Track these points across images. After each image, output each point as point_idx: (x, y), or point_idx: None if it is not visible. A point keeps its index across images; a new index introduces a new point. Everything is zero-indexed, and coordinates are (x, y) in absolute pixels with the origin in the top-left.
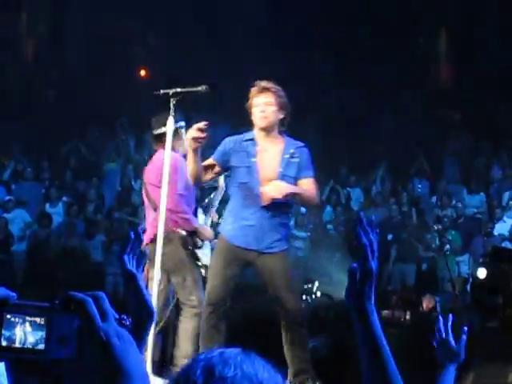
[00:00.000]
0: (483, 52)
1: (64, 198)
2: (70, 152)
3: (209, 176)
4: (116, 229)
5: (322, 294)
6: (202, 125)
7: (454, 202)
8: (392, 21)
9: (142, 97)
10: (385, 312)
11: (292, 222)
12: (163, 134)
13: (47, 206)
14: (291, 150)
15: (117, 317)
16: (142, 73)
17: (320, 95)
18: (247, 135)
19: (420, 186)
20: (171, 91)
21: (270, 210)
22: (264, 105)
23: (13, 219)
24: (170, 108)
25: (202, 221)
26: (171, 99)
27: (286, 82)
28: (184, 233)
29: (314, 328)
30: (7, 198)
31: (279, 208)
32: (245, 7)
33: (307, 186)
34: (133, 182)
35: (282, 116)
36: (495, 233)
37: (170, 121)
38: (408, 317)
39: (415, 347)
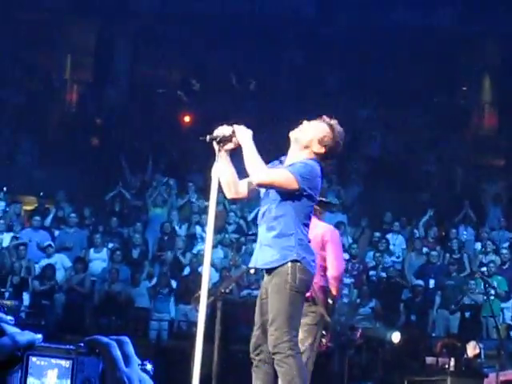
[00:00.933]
0: None
1: (109, 244)
2: (114, 198)
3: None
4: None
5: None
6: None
7: (498, 248)
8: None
9: (186, 142)
10: (428, 359)
11: None
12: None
13: (91, 251)
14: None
15: (139, 362)
16: (187, 119)
17: (364, 142)
18: None
19: (465, 232)
20: (217, 134)
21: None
22: (308, 123)
23: (53, 264)
24: (215, 153)
25: None
26: (216, 143)
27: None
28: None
29: None
30: (47, 243)
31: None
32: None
33: (273, 169)
34: (177, 227)
35: (316, 149)
36: None
37: (215, 167)
38: (452, 363)
39: None
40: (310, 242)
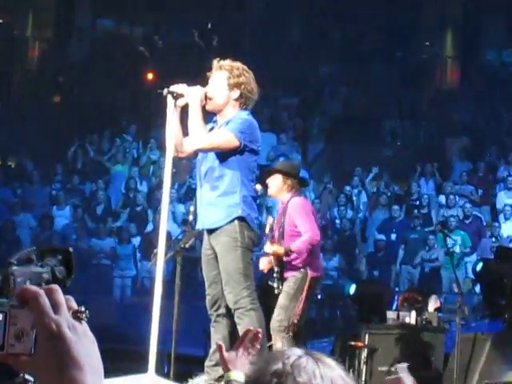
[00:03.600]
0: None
1: (72, 201)
2: (76, 154)
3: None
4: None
5: None
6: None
7: (461, 202)
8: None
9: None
10: (389, 313)
11: None
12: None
13: (54, 209)
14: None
15: (75, 308)
16: (150, 76)
17: (326, 98)
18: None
19: (426, 186)
20: (174, 90)
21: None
22: (210, 84)
23: (20, 223)
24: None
25: None
26: (172, 98)
27: (292, 81)
28: None
29: None
30: (14, 200)
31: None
32: None
33: (211, 133)
34: (138, 185)
35: (235, 95)
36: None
37: (169, 122)
38: (413, 317)
39: (420, 348)
40: (254, 198)
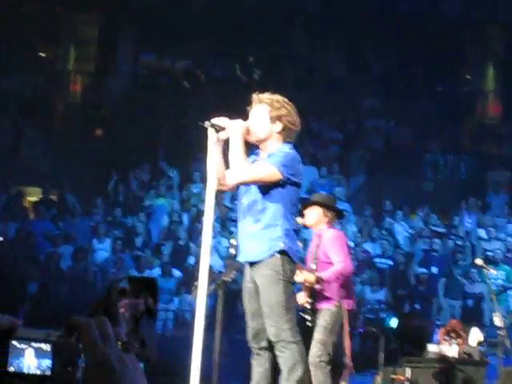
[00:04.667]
0: None
1: (113, 234)
2: (116, 187)
3: None
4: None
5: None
6: None
7: (502, 235)
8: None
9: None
10: (430, 346)
11: None
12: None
13: (95, 241)
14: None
15: (124, 340)
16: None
17: (368, 131)
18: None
19: (470, 220)
20: (216, 122)
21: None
22: (251, 117)
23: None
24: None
25: None
26: (214, 131)
27: (332, 113)
28: None
29: None
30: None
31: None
32: None
33: (253, 166)
34: (180, 218)
35: (277, 128)
36: None
37: (210, 155)
38: (455, 351)
39: (460, 381)
40: (296, 231)
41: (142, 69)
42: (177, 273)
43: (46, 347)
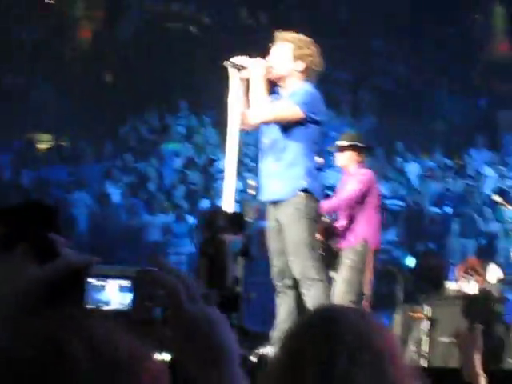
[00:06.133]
0: None
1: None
2: (129, 133)
3: None
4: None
5: None
6: None
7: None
8: None
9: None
10: (448, 284)
11: None
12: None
13: (108, 186)
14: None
15: (204, 292)
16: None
17: (377, 72)
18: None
19: (479, 158)
20: (236, 62)
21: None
22: (274, 54)
23: (75, 202)
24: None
25: None
26: (236, 70)
27: (339, 58)
28: None
29: None
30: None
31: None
32: None
33: (275, 104)
34: (194, 162)
35: (300, 67)
36: None
37: (231, 94)
38: (474, 287)
39: (481, 318)
40: (319, 169)
41: (149, 14)
42: (190, 218)
43: (126, 283)
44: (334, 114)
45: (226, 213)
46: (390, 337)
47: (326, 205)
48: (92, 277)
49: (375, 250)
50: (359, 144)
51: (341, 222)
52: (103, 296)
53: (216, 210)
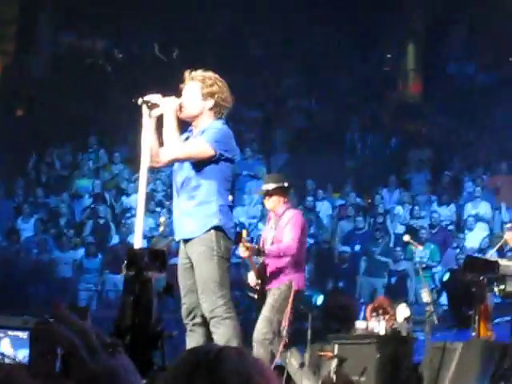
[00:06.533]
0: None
1: (36, 215)
2: (38, 168)
3: None
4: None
5: None
6: None
7: (424, 212)
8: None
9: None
10: (358, 323)
11: None
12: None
13: (19, 222)
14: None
15: (106, 342)
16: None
17: (289, 109)
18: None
19: (389, 198)
20: (149, 99)
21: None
22: (184, 94)
23: None
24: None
25: None
26: (147, 107)
27: (254, 93)
28: None
29: None
30: None
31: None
32: None
33: (186, 143)
34: (103, 198)
35: (209, 105)
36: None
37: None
38: (382, 327)
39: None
40: (231, 207)
41: (61, 49)
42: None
43: (23, 335)
44: (246, 152)
45: (150, 250)
46: (271, 376)
47: (271, 252)
48: None
49: (300, 290)
50: (285, 185)
51: (270, 263)
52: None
53: (140, 248)
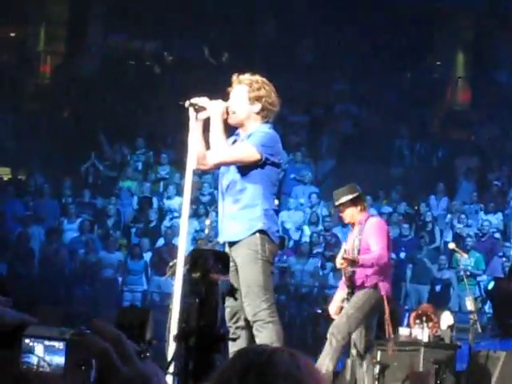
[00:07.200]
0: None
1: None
2: (88, 170)
3: None
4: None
5: None
6: None
7: (471, 221)
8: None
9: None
10: (401, 330)
11: None
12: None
13: (65, 222)
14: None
15: (137, 349)
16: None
17: (337, 115)
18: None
19: (437, 205)
20: (196, 102)
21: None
22: (231, 98)
23: (31, 235)
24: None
25: None
26: (194, 110)
27: (303, 98)
28: None
29: None
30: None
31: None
32: None
33: (232, 147)
34: (151, 200)
35: (256, 109)
36: None
37: (191, 135)
38: (426, 334)
39: (432, 365)
40: (276, 211)
41: (111, 50)
42: (145, 255)
43: (59, 345)
44: (295, 157)
45: (215, 252)
46: (321, 378)
47: (364, 262)
48: (27, 337)
49: (386, 297)
50: (353, 196)
51: (358, 271)
52: (35, 357)
53: (205, 250)
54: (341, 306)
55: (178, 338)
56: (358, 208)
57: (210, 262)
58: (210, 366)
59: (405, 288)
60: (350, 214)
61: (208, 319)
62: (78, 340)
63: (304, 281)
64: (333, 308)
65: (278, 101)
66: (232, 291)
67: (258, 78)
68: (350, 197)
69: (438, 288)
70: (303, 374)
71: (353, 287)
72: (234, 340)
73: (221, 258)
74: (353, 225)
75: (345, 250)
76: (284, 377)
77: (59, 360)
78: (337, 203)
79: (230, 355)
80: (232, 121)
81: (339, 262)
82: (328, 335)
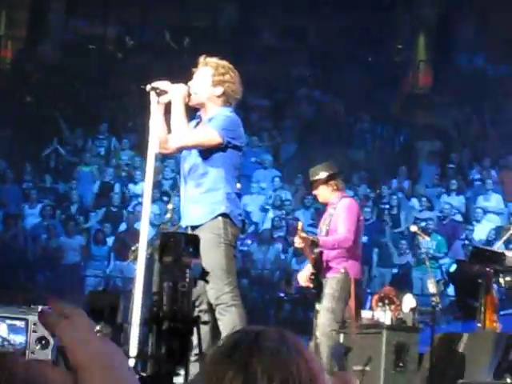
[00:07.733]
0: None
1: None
2: (49, 155)
3: None
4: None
5: None
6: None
7: (433, 204)
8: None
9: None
10: (364, 313)
11: None
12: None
13: (26, 207)
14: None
15: (96, 329)
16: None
17: (299, 100)
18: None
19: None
20: (157, 86)
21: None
22: (194, 78)
23: None
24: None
25: None
26: (156, 94)
27: (264, 82)
28: None
29: None
30: None
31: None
32: None
33: (194, 130)
34: (113, 185)
35: (218, 92)
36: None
37: (152, 119)
38: (388, 317)
39: (394, 347)
40: (238, 194)
41: (72, 35)
42: (109, 240)
43: (21, 324)
44: (254, 141)
45: (185, 235)
46: (310, 356)
47: (326, 244)
48: None
49: (357, 279)
50: (327, 174)
51: (326, 252)
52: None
53: (175, 233)
54: (311, 273)
55: (149, 322)
56: (330, 188)
57: (182, 246)
58: (185, 349)
59: (370, 272)
60: (323, 193)
61: (181, 303)
62: (39, 319)
63: (266, 267)
64: (302, 276)
65: (240, 89)
66: (203, 274)
67: (225, 63)
68: (322, 175)
69: (398, 272)
70: (291, 352)
71: (318, 268)
72: (205, 323)
73: (191, 240)
74: (327, 205)
75: (302, 229)
76: (271, 353)
77: (22, 339)
78: (311, 179)
79: (193, 338)
80: (192, 102)
81: (297, 241)
82: (321, 337)
